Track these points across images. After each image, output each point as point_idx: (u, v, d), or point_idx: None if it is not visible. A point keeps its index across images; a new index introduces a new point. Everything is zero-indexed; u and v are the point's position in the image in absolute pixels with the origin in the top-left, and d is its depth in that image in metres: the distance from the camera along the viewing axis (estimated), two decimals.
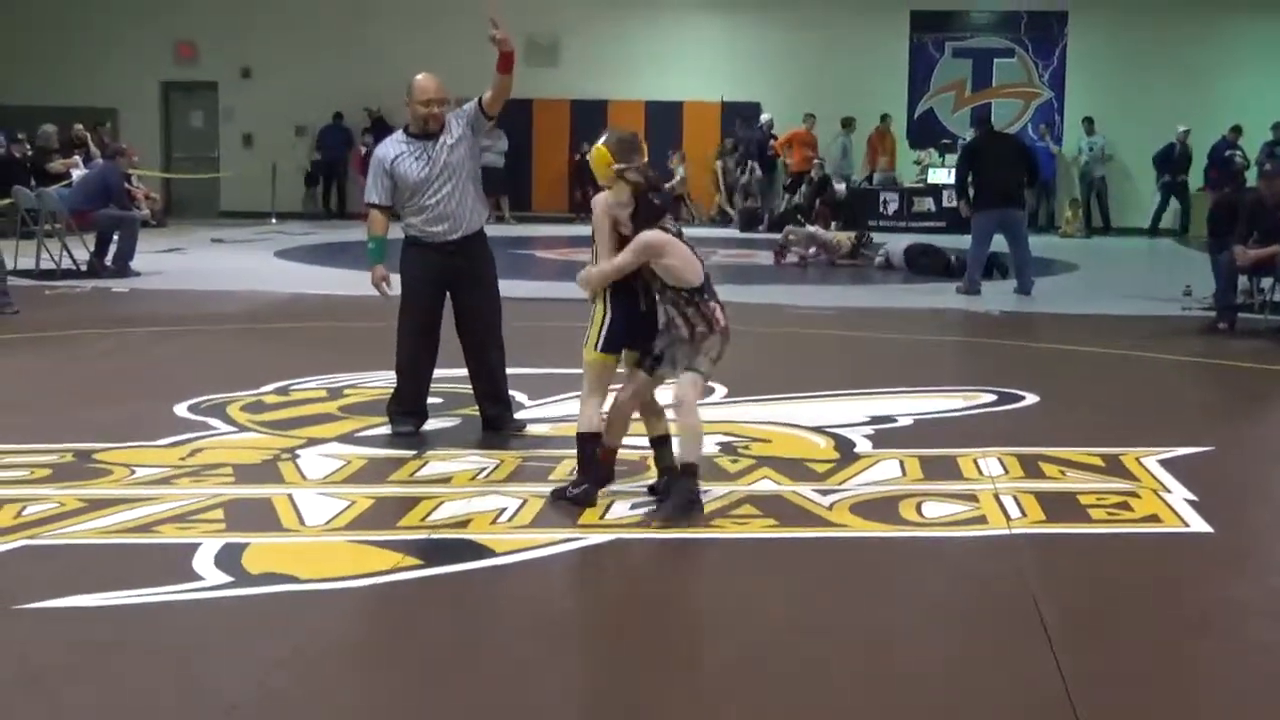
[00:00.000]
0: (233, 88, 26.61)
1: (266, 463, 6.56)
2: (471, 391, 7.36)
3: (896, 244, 17.84)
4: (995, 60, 26.10)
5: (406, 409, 7.21)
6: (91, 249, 15.28)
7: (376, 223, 7.17)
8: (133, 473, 6.31)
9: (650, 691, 4.02)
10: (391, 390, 7.34)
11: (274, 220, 24.50)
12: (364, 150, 25.53)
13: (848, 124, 24.90)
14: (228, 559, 5.06)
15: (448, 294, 7.19)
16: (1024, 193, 15.55)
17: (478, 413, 7.34)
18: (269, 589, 4.80)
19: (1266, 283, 12.02)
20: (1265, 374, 9.90)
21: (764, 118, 24.65)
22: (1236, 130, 22.63)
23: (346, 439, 7.06)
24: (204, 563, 5.02)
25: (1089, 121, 24.87)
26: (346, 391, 8.30)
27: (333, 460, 6.61)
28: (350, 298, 12.86)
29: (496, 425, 7.25)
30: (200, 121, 27.18)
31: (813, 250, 18.14)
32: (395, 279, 7.21)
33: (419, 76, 7.10)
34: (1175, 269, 16.89)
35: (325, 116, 26.01)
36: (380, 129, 25.30)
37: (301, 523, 5.60)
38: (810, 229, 19.37)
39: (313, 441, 6.97)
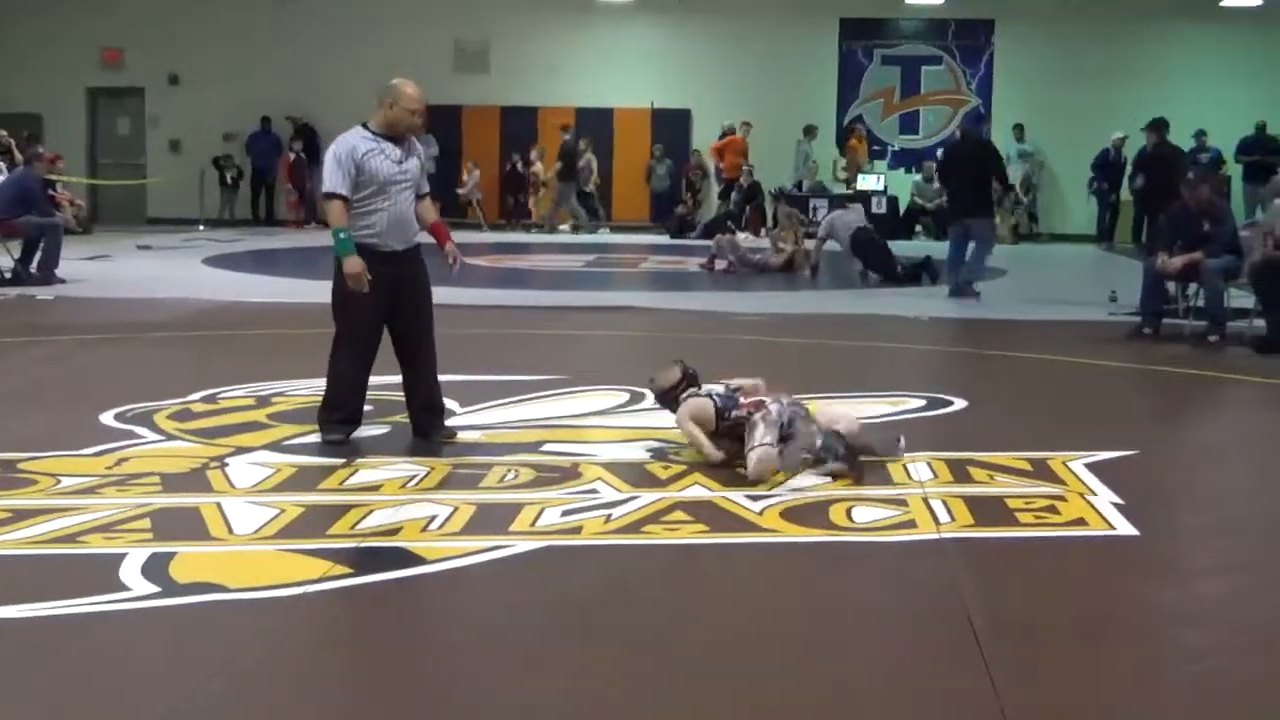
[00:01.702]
0: (160, 94, 26.39)
1: (194, 471, 6.50)
2: (402, 399, 7.31)
3: (844, 220, 17.21)
4: (923, 67, 26.34)
5: (338, 417, 7.15)
6: (16, 256, 15.09)
7: (339, 214, 6.92)
8: (58, 482, 6.23)
9: (582, 699, 4.02)
10: (321, 398, 7.28)
11: (202, 227, 24.33)
12: (293, 157, 25.43)
13: (810, 131, 24.99)
14: (155, 569, 5.00)
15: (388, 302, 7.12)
16: (985, 199, 15.48)
17: (408, 420, 7.30)
18: (197, 599, 4.75)
19: (1192, 288, 12.19)
20: (1188, 378, 10.02)
21: (725, 124, 24.79)
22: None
23: (275, 447, 7.01)
24: (131, 573, 4.96)
25: (1019, 129, 25.09)
26: (275, 399, 8.24)
27: (261, 468, 6.56)
28: (279, 305, 12.79)
29: (427, 433, 7.21)
30: (127, 128, 26.95)
31: (741, 256, 18.10)
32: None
33: (400, 81, 7.02)
34: (1102, 275, 17.09)
35: (253, 123, 25.85)
36: (307, 136, 25.23)
37: (230, 531, 5.55)
38: (739, 236, 19.41)
39: (241, 450, 6.92)
